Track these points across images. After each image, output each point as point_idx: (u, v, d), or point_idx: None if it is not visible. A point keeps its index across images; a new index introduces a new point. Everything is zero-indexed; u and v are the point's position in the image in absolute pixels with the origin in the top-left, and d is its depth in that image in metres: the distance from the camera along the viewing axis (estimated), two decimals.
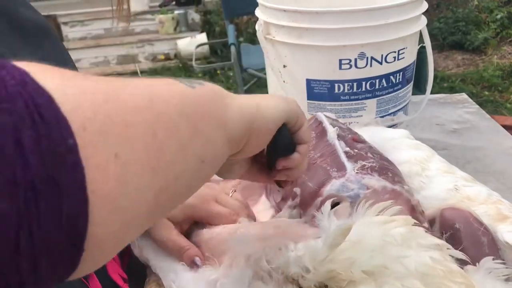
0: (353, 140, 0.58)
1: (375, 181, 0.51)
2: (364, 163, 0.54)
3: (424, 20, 0.86)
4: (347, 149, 0.56)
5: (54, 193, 0.22)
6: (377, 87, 0.83)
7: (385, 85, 0.83)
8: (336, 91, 0.82)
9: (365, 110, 0.84)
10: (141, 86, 0.29)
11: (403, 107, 0.90)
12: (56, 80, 0.23)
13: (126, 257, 0.64)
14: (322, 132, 0.60)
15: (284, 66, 0.84)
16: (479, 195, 0.55)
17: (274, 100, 0.42)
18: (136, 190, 0.26)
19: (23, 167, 0.20)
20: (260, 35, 0.85)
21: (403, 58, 0.83)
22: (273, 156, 0.45)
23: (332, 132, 0.58)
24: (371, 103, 0.84)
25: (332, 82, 0.81)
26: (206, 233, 0.53)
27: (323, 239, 0.40)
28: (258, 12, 0.87)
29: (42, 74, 0.23)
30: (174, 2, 4.37)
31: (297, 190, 0.54)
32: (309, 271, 0.40)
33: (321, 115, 0.63)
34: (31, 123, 0.21)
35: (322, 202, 0.50)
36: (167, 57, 4.20)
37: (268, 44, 0.84)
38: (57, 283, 0.24)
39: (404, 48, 0.82)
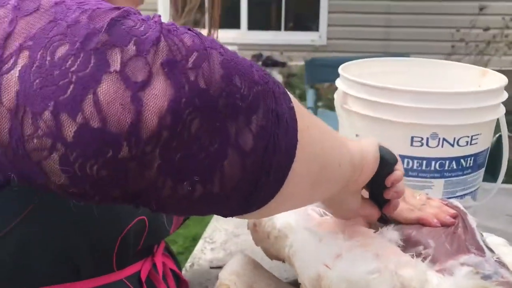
0: None
1: (510, 276, 0.53)
2: (498, 256, 0.57)
3: (502, 109, 0.87)
4: (483, 238, 0.60)
5: (283, 127, 0.32)
6: (446, 168, 0.84)
7: (455, 167, 0.84)
8: (405, 166, 0.84)
9: (431, 189, 0.85)
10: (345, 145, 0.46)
11: (472, 191, 0.89)
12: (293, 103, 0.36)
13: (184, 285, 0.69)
14: (461, 216, 0.63)
15: (357, 135, 0.88)
16: None
17: (367, 141, 0.54)
18: (311, 160, 0.37)
19: (276, 101, 0.32)
20: (337, 103, 0.90)
21: (476, 143, 0.84)
22: (381, 179, 0.54)
23: (472, 219, 0.62)
24: (438, 183, 0.85)
25: (402, 157, 0.84)
26: None
27: (455, 283, 0.44)
28: (338, 82, 0.92)
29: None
30: (261, 63, 4.59)
31: (431, 242, 0.57)
32: None
33: (456, 202, 0.67)
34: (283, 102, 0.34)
35: (456, 265, 0.53)
36: None
37: (343, 112, 0.89)
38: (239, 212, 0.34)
39: (478, 134, 0.83)
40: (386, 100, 0.81)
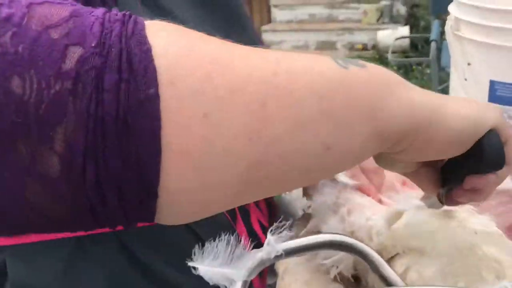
0: None
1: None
2: None
3: None
4: None
5: (123, 134, 0.24)
6: None
7: None
8: None
9: None
10: (271, 58, 0.28)
11: None
12: (165, 37, 0.26)
13: (275, 210, 0.72)
14: None
15: (468, 64, 0.82)
16: None
17: (472, 106, 0.35)
18: (225, 156, 0.25)
19: (97, 104, 0.23)
20: (448, 30, 0.84)
21: None
22: (464, 171, 0.37)
23: None
24: None
25: None
26: None
27: (383, 216, 0.47)
28: (451, 7, 0.86)
29: (156, 29, 0.26)
30: None
31: None
32: (372, 240, 0.47)
33: None
34: (116, 68, 0.24)
35: None
36: (365, 48, 4.20)
37: (455, 40, 0.83)
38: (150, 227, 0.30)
39: None
40: (502, 23, 0.74)
